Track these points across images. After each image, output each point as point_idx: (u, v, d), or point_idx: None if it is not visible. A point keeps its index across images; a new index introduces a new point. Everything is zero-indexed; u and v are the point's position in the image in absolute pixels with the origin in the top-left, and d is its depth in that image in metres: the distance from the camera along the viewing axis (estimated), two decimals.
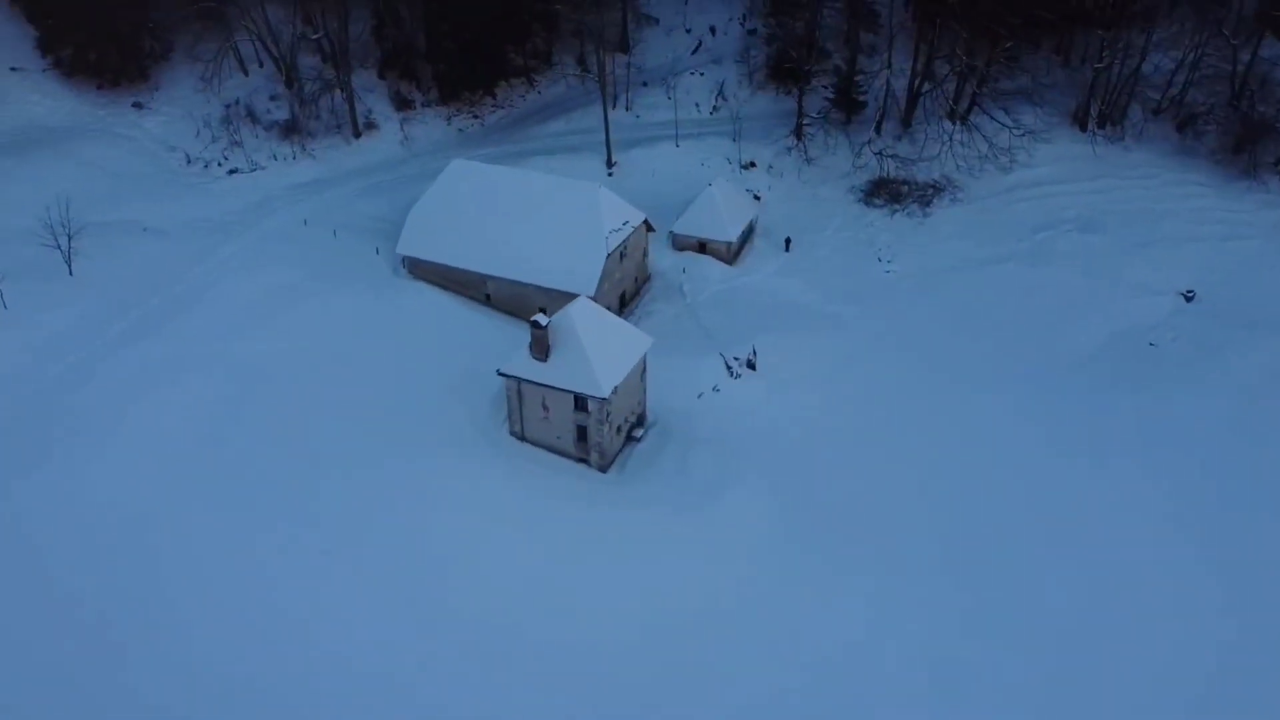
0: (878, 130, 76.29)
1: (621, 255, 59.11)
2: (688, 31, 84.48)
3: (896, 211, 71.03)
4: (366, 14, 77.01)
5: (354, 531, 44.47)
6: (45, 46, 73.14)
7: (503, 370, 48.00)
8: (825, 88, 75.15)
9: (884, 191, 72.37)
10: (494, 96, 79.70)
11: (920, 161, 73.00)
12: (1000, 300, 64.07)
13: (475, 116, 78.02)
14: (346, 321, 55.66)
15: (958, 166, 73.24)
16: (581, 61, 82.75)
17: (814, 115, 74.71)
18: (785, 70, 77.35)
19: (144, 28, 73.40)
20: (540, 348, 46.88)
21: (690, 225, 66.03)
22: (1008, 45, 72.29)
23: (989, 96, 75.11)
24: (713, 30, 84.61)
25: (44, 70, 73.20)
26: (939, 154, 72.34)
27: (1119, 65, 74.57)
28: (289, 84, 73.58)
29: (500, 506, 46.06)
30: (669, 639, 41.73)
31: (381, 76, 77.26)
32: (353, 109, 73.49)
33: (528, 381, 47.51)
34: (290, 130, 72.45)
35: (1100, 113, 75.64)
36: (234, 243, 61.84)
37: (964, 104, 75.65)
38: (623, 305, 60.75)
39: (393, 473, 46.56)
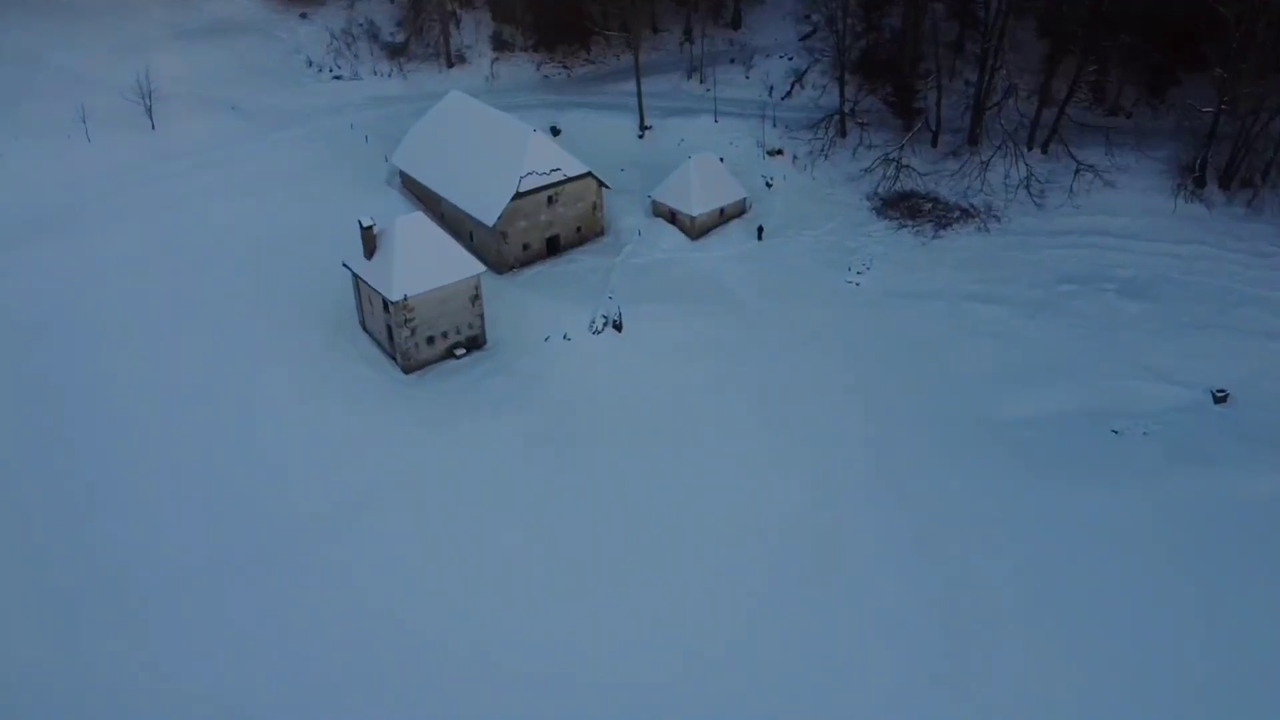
0: (933, 143, 71.40)
1: (550, 199, 63.13)
2: (807, 17, 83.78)
3: (905, 227, 66.70)
4: None
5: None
6: None
7: (345, 262, 55.26)
8: (886, 89, 71.61)
9: (903, 205, 68.10)
10: (588, 51, 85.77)
11: (954, 179, 67.52)
12: (955, 342, 58.77)
13: (565, 67, 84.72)
14: (312, 207, 65.80)
15: (1007, 196, 66.73)
16: (687, 31, 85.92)
17: (860, 120, 71.73)
18: (872, 67, 74.63)
19: None
20: (366, 247, 53.40)
21: (664, 193, 67.70)
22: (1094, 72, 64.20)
23: (1071, 127, 67.17)
24: (831, 20, 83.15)
25: None
26: (978, 176, 66.36)
27: (1246, 117, 63.00)
28: (415, 13, 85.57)
29: (307, 381, 53.55)
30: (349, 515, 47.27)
31: (493, 19, 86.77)
32: (447, 40, 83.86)
33: (357, 276, 54.39)
34: (397, 52, 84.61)
35: (1226, 171, 64.45)
36: (287, 131, 75.00)
37: (1041, 131, 68.24)
38: (553, 250, 64.82)
39: (241, 337, 55.86)
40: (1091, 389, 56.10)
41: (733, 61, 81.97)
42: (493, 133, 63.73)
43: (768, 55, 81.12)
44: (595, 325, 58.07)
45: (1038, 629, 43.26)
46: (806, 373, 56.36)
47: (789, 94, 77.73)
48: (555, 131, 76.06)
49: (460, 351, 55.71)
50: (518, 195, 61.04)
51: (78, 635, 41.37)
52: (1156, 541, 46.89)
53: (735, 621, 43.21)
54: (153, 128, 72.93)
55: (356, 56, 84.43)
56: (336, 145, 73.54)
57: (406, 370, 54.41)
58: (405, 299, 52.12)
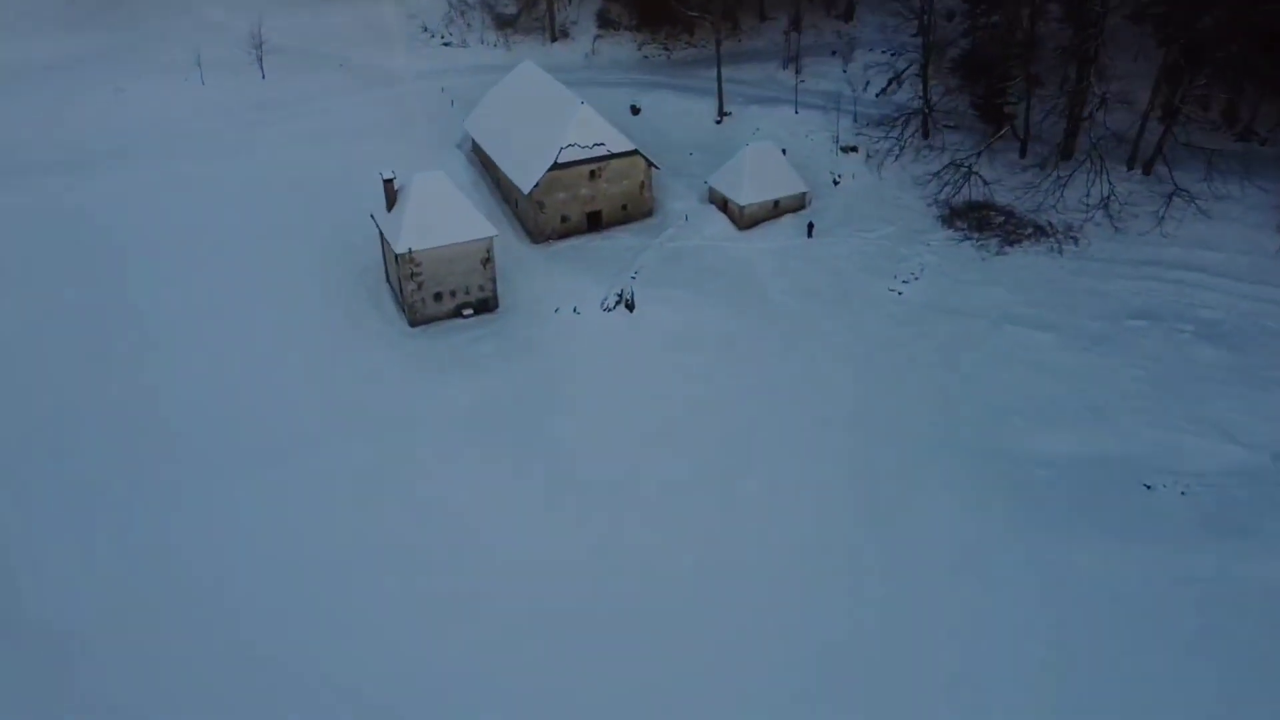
0: (1021, 153, 65.97)
1: (593, 174, 63.11)
2: (923, 14, 79.26)
3: (968, 240, 62.19)
4: None
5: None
6: None
7: (372, 214, 57.47)
8: (977, 94, 66.66)
9: (972, 216, 63.54)
10: (690, 34, 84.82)
11: (1031, 193, 62.08)
12: (988, 367, 54.47)
13: (665, 49, 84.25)
14: (376, 161, 67.89)
15: (1085, 216, 60.90)
16: (797, 21, 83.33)
17: (947, 122, 67.14)
18: (971, 68, 69.86)
19: None
20: (388, 200, 55.36)
21: (720, 180, 66.21)
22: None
23: (1182, 149, 60.25)
24: (950, 17, 78.23)
25: None
26: (1054, 192, 60.75)
27: None
28: None
29: (316, 317, 56.21)
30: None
31: None
32: (552, 14, 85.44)
33: (379, 228, 56.54)
34: (507, 24, 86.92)
35: None
36: (383, 90, 78.71)
37: (1146, 148, 61.62)
38: (595, 225, 64.80)
39: (273, 271, 59.23)
40: (1132, 436, 50.66)
41: (834, 54, 78.97)
42: (547, 104, 64.61)
43: (871, 50, 77.62)
44: (607, 303, 57.77)
45: (992, 695, 39.26)
46: (810, 380, 53.79)
47: (884, 91, 74.03)
48: (635, 110, 76.08)
49: (468, 311, 56.89)
50: (556, 166, 61.53)
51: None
52: (1171, 619, 41.51)
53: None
54: (263, 77, 78.71)
55: (469, 26, 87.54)
56: (424, 107, 76.61)
57: (412, 323, 56.17)
58: (410, 252, 53.82)
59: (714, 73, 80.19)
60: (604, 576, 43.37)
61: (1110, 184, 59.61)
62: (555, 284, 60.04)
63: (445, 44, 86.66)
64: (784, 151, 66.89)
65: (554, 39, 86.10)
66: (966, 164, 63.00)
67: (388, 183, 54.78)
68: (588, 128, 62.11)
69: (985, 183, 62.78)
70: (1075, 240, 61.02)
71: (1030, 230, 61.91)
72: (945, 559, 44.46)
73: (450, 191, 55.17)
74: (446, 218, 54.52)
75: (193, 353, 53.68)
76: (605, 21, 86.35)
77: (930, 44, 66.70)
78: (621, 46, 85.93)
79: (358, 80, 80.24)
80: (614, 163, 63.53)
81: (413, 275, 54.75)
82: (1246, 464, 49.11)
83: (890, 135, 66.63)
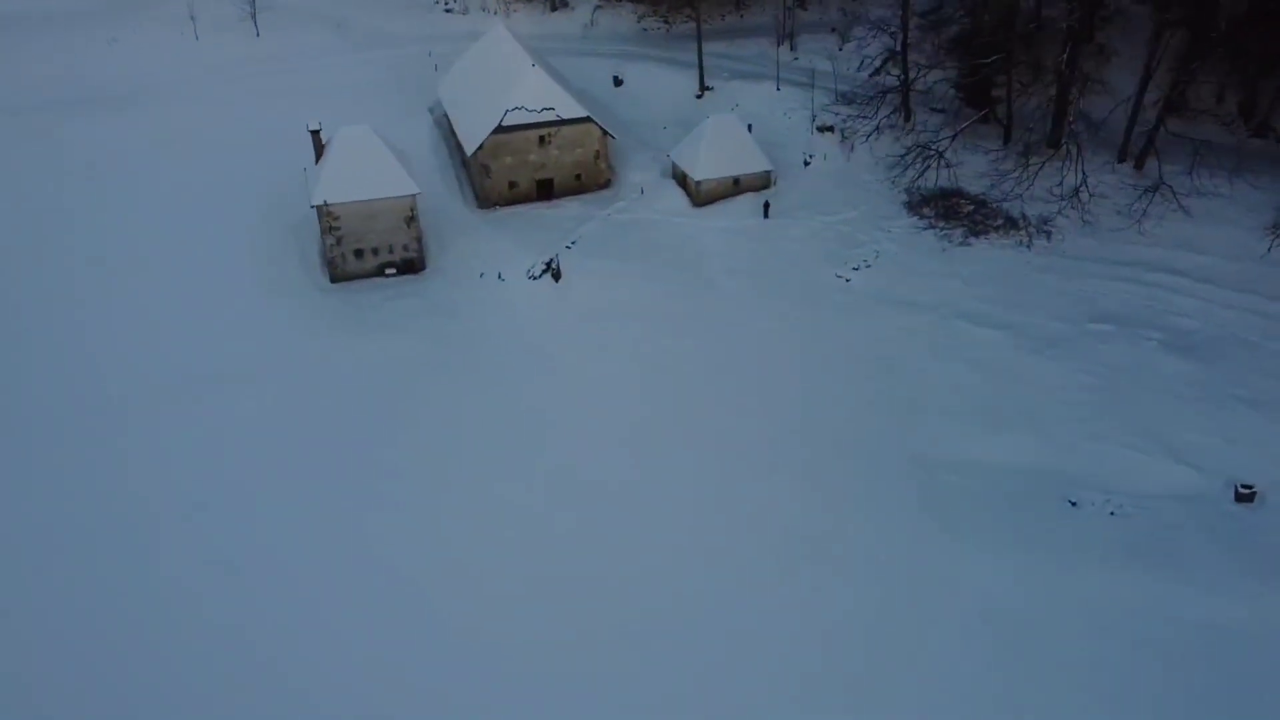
0: (1004, 139, 61.26)
1: (542, 139, 61.12)
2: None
3: (931, 229, 58.13)
4: None
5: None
6: None
7: (306, 167, 56.68)
8: (960, 74, 62.13)
9: (940, 204, 59.42)
10: (693, 8, 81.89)
11: (1003, 181, 57.39)
12: (925, 363, 50.71)
13: (665, 22, 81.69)
14: (341, 119, 66.89)
15: (1056, 208, 56.09)
16: None
17: (936, 105, 62.80)
18: (957, 45, 65.13)
19: None
20: (316, 151, 54.53)
21: (680, 154, 63.54)
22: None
23: (1176, 143, 54.87)
24: None
25: None
26: (1024, 180, 55.94)
27: None
28: None
29: (238, 266, 55.73)
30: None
31: None
32: None
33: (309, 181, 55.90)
34: None
35: None
36: (373, 52, 78.30)
37: (1140, 141, 56.36)
38: (545, 194, 62.82)
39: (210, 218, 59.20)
40: (1067, 448, 46.34)
41: (833, 31, 75.23)
42: (504, 67, 62.96)
43: (875, 28, 73.52)
44: (533, 271, 55.82)
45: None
46: (729, 365, 50.81)
47: (878, 71, 69.91)
48: (618, 82, 73.93)
49: (390, 271, 55.68)
50: (501, 129, 59.81)
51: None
52: (1062, 645, 37.37)
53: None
54: (257, 35, 79.26)
55: None
56: (407, 71, 75.87)
57: (332, 279, 55.29)
58: (325, 205, 52.89)
59: (710, 48, 77.53)
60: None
61: (1083, 174, 54.74)
62: (490, 250, 58.32)
63: (447, 10, 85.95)
64: (750, 127, 63.80)
65: (554, 8, 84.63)
66: (934, 148, 58.81)
67: (315, 134, 54.02)
68: (537, 91, 60.23)
69: (949, 165, 58.49)
70: (1048, 235, 56.34)
71: (1000, 222, 57.48)
72: (832, 561, 41.14)
73: (375, 146, 53.98)
74: (369, 173, 53.36)
75: (112, 286, 54.03)
76: None
77: (912, 18, 62.44)
78: (621, 19, 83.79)
79: (351, 42, 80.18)
80: (566, 130, 61.46)
81: (331, 229, 53.84)
82: (1194, 489, 44.31)
83: (864, 115, 62.76)
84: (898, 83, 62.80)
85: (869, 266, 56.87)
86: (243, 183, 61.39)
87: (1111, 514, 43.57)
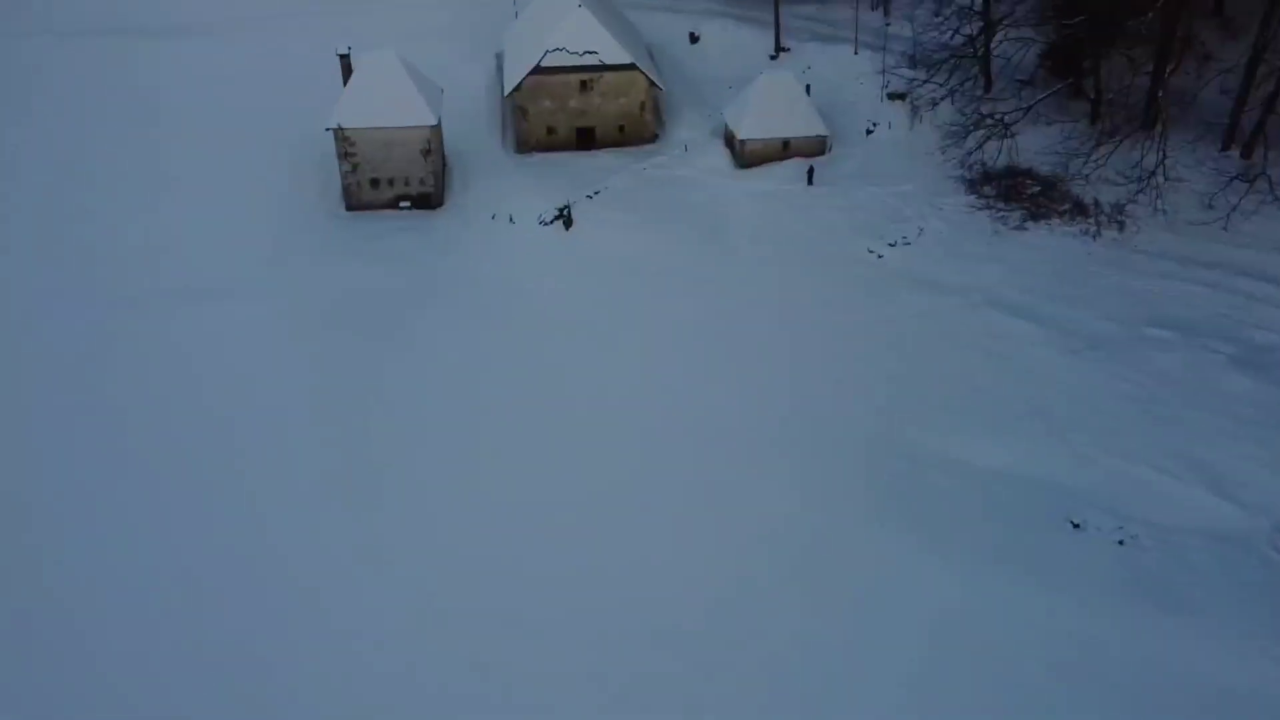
0: (1092, 118, 53.94)
1: (584, 85, 58.61)
2: None
3: (987, 209, 51.91)
4: None
5: None
6: None
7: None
8: (1046, 39, 54.97)
9: (1003, 183, 53.12)
10: None
11: (1077, 162, 50.33)
12: (943, 352, 45.52)
13: None
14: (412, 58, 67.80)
15: (1129, 192, 49.01)
16: None
17: (1019, 76, 55.91)
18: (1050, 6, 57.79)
19: None
20: (344, 77, 54.13)
21: (730, 112, 59.72)
22: None
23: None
24: None
25: None
26: (1094, 160, 48.73)
27: None
28: None
29: (261, 190, 55.88)
30: None
31: None
32: None
33: None
34: None
35: None
36: (448, 5, 77.38)
37: (1248, 124, 48.17)
38: (586, 143, 60.37)
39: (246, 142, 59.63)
40: (1084, 462, 40.36)
41: (938, 1, 68.93)
42: (558, 8, 60.78)
43: None
44: (544, 216, 53.60)
45: None
46: (728, 329, 47.03)
47: (975, 38, 63.28)
48: (694, 38, 70.61)
49: (405, 204, 54.84)
50: (540, 69, 57.83)
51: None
52: (1045, 687, 32.20)
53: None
54: None
55: None
56: (485, 16, 74.04)
57: (348, 207, 54.97)
58: (340, 128, 52.46)
59: (807, 9, 73.08)
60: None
61: (1163, 153, 47.23)
62: (511, 192, 56.53)
63: None
64: (808, 88, 59.15)
65: None
66: (996, 117, 52.42)
67: (343, 59, 53.77)
68: (580, 33, 57.86)
69: (1010, 135, 51.82)
70: (1120, 225, 49.28)
71: (1066, 206, 50.75)
72: (778, 563, 36.57)
73: (398, 73, 53.10)
74: (389, 100, 52.66)
75: (136, 199, 55.47)
76: None
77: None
78: None
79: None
80: (609, 76, 58.86)
81: (347, 155, 53.46)
82: (1232, 527, 37.61)
83: (931, 79, 56.84)
84: (970, 47, 56.48)
85: (907, 244, 51.55)
86: (289, 112, 61.41)
87: (1120, 543, 37.41)
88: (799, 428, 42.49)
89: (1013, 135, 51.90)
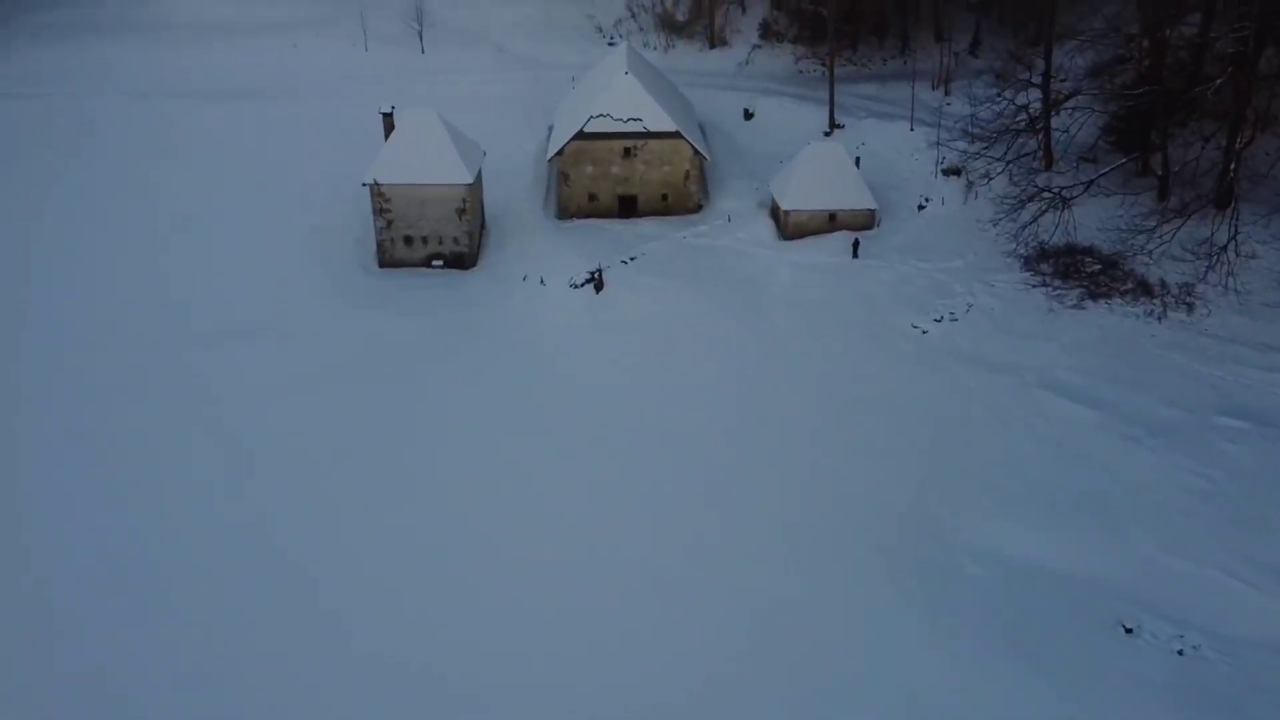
0: (1160, 195, 50.58)
1: (628, 151, 57.80)
2: (1127, 38, 64.42)
3: (1043, 286, 48.70)
4: None
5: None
6: None
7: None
8: (1111, 114, 52.14)
9: (1060, 261, 49.80)
10: (854, 50, 76.33)
11: (1140, 239, 46.85)
12: (991, 433, 42.52)
13: (822, 64, 76.32)
14: (465, 125, 67.46)
15: (1195, 271, 45.60)
16: (975, 42, 72.19)
17: (1084, 154, 53.09)
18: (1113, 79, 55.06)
19: None
20: (386, 135, 54.27)
21: (776, 183, 58.01)
22: None
23: None
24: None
25: None
26: (1161, 237, 45.23)
27: None
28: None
29: (295, 242, 56.35)
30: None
31: (776, 6, 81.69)
32: (712, 22, 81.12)
33: None
34: (676, 29, 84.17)
35: None
36: (524, 73, 78.59)
37: None
38: (628, 211, 59.29)
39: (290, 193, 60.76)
40: (1139, 559, 36.58)
41: (997, 76, 66.91)
42: (606, 77, 60.73)
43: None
44: (575, 279, 52.23)
45: None
46: (753, 399, 44.77)
47: (1034, 124, 60.86)
48: (748, 115, 69.92)
49: (437, 263, 54.12)
50: (583, 135, 57.32)
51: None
52: None
53: None
54: (421, 51, 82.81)
55: (640, 28, 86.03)
56: (545, 89, 75.42)
57: (380, 264, 54.51)
58: (375, 184, 52.37)
59: (859, 90, 72.10)
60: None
61: (1235, 229, 43.63)
62: (546, 256, 55.40)
63: (610, 43, 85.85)
64: (858, 161, 57.32)
65: (712, 45, 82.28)
66: (1055, 190, 49.52)
67: (386, 116, 54.11)
68: (625, 100, 57.37)
69: (1065, 206, 48.67)
70: (1188, 306, 45.55)
71: (1129, 286, 47.27)
72: (793, 661, 33.19)
73: (438, 132, 53.03)
74: (426, 157, 52.46)
75: (176, 247, 56.20)
76: (767, 31, 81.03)
77: (1050, 45, 53.69)
78: (778, 58, 79.70)
79: (505, 62, 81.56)
80: (653, 144, 58.03)
81: (382, 211, 53.28)
82: None
83: (987, 152, 54.39)
84: (1028, 119, 54.07)
85: (954, 319, 48.59)
86: (336, 171, 61.47)
87: (1179, 653, 33.16)
88: (823, 503, 39.47)
89: (1069, 207, 48.95)
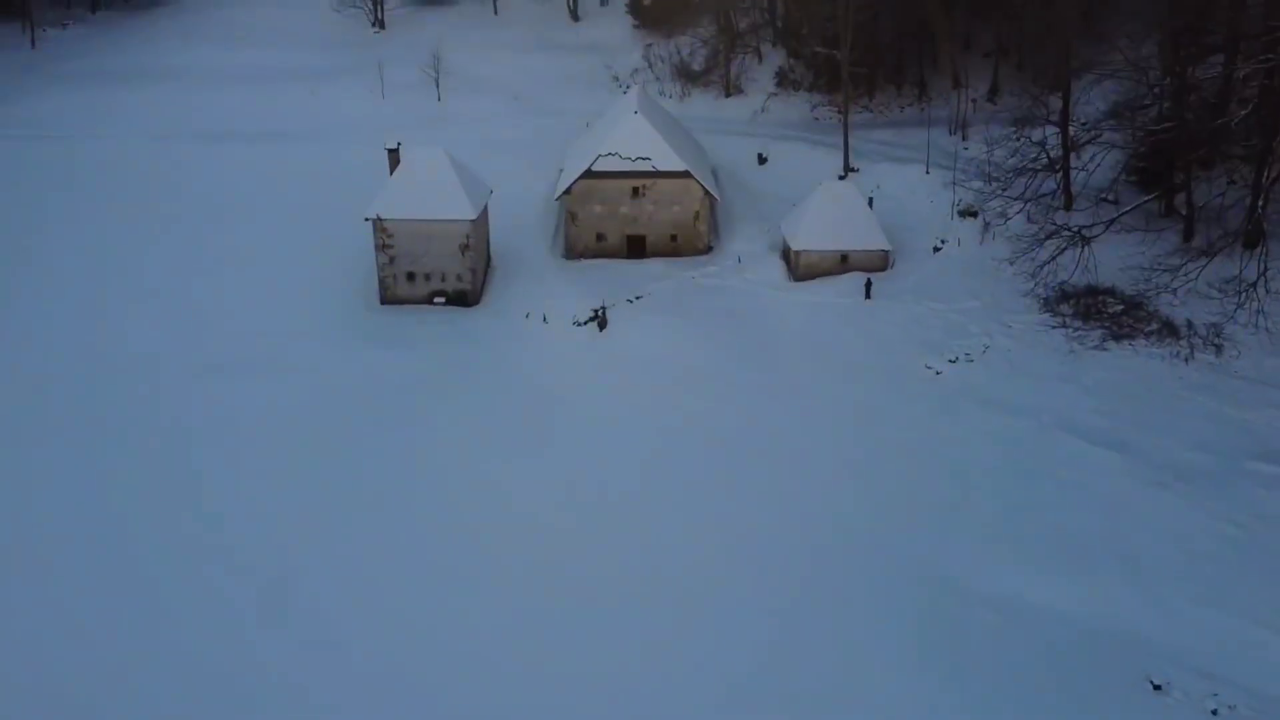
0: (1185, 235, 48.78)
1: (636, 191, 56.94)
2: (1150, 86, 63.16)
3: (1062, 328, 46.81)
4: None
5: None
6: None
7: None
8: (1133, 153, 50.61)
9: (1080, 302, 47.86)
10: (870, 97, 75.70)
11: (1167, 276, 45.01)
12: (1007, 480, 40.25)
13: (837, 111, 75.65)
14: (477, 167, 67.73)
15: (1224, 310, 43.59)
16: (993, 89, 71.32)
17: (1106, 195, 51.51)
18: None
19: None
20: (391, 170, 53.81)
21: (788, 224, 56.76)
22: None
23: None
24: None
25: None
26: (1187, 273, 43.34)
27: None
28: (719, 48, 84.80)
29: (300, 278, 55.63)
30: None
31: (793, 55, 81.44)
32: (728, 72, 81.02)
33: None
34: (693, 79, 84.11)
35: None
36: (537, 120, 78.73)
37: None
38: (636, 252, 58.25)
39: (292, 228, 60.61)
40: (1168, 611, 34.18)
41: (1015, 123, 65.76)
42: (616, 117, 60.31)
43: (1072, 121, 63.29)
44: (578, 317, 50.99)
45: None
46: (757, 439, 42.97)
47: (1053, 164, 59.35)
48: (762, 159, 69.17)
49: (439, 300, 53.15)
50: (591, 174, 56.65)
51: None
52: None
53: None
54: (438, 99, 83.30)
55: (656, 78, 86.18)
56: (558, 134, 75.00)
57: (382, 300, 53.57)
58: (378, 218, 51.71)
59: (874, 136, 71.25)
60: None
61: (1265, 265, 41.69)
62: (551, 294, 54.39)
63: (624, 91, 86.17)
64: (870, 201, 56.12)
65: (728, 94, 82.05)
66: (1073, 228, 47.86)
67: (391, 153, 53.73)
68: (634, 139, 56.78)
69: (1085, 242, 46.86)
70: (1217, 348, 43.45)
71: (1154, 327, 45.26)
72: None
73: (444, 169, 52.50)
74: (430, 193, 51.88)
75: (178, 281, 55.76)
76: (784, 80, 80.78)
77: (1068, 83, 52.49)
78: (794, 106, 79.21)
79: (518, 110, 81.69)
80: (662, 183, 57.23)
81: (384, 247, 52.56)
82: None
83: (1001, 193, 52.95)
84: (1045, 158, 52.65)
85: (970, 360, 46.72)
86: (343, 209, 61.70)
87: (1214, 713, 30.66)
88: (832, 548, 37.38)
89: (1090, 246, 47.26)
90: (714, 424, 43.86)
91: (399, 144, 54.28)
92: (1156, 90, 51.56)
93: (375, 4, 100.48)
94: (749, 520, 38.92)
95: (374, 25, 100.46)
